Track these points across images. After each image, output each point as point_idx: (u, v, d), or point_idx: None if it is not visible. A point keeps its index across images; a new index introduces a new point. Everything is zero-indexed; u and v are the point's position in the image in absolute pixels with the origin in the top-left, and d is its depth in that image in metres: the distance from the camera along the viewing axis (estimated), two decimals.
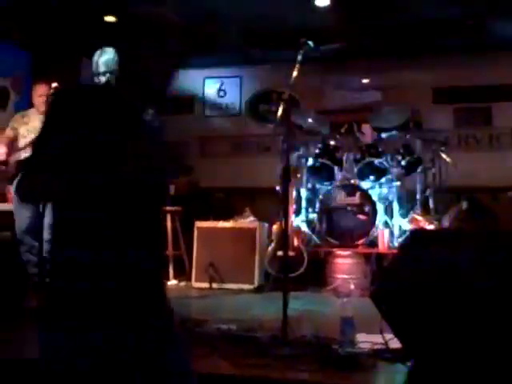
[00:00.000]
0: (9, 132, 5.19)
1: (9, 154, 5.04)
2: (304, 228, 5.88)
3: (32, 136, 4.97)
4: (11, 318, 3.60)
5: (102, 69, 3.64)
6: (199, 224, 5.92)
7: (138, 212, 1.75)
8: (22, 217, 4.99)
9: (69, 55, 7.12)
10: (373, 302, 2.63)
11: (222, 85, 8.39)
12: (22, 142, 5.10)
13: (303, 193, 6.03)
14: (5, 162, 5.05)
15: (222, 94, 8.40)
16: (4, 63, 6.55)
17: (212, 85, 8.42)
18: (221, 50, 7.48)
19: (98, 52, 3.69)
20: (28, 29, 6.45)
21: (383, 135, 6.11)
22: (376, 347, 2.93)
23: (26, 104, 5.73)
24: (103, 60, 3.66)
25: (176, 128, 7.53)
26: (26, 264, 4.75)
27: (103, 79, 3.63)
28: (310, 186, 6.14)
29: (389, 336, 2.85)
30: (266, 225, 5.91)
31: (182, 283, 6.00)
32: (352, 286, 5.25)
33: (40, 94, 5.07)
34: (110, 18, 6.49)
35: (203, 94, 8.43)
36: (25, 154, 4.93)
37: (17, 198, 5.06)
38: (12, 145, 5.12)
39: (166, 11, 1.52)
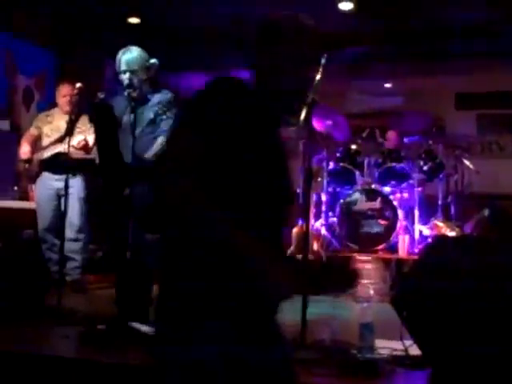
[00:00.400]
0: (33, 131, 5.25)
1: (32, 153, 5.09)
2: (323, 232, 5.86)
3: (56, 135, 5.02)
4: (32, 315, 3.62)
5: (123, 67, 3.67)
6: None
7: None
8: (45, 215, 5.04)
9: (92, 56, 7.19)
10: (393, 307, 2.61)
11: None
12: (45, 141, 5.15)
13: (323, 196, 6.02)
14: (29, 161, 5.11)
15: None
16: (28, 63, 6.63)
17: None
18: (238, 51, 7.48)
19: (122, 50, 3.72)
20: (52, 29, 6.52)
21: (405, 140, 6.08)
22: (395, 353, 2.91)
23: (49, 104, 5.79)
24: (125, 58, 3.68)
25: None
26: (47, 262, 4.80)
27: (124, 77, 3.66)
28: (330, 189, 6.12)
29: (408, 342, 2.83)
30: (286, 228, 5.89)
31: None
32: (371, 292, 5.21)
33: (64, 94, 5.11)
34: (133, 20, 6.55)
35: None
36: (48, 153, 4.99)
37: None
38: (36, 143, 5.17)
39: (298, 14, 1.47)
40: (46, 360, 2.83)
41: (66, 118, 4.72)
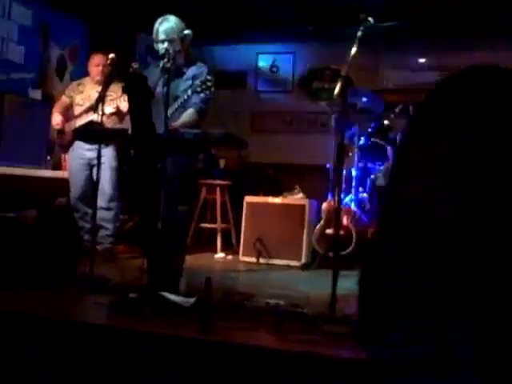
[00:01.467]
0: (64, 99, 5.29)
1: (64, 122, 5.14)
2: (353, 207, 5.84)
3: (87, 104, 5.05)
4: (65, 283, 3.69)
5: (161, 37, 3.66)
6: (248, 199, 5.94)
7: None
8: (77, 184, 5.11)
9: (125, 27, 7.20)
10: None
11: (274, 60, 8.33)
12: (77, 110, 5.19)
13: (354, 172, 5.98)
14: (61, 130, 5.16)
15: (274, 69, 8.35)
16: (62, 34, 6.66)
17: (265, 60, 8.38)
18: (275, 26, 7.43)
19: (160, 19, 3.71)
20: (86, 0, 6.52)
21: None
22: None
23: (82, 74, 5.82)
24: (163, 28, 3.67)
25: (228, 102, 7.55)
26: (79, 230, 4.87)
27: (161, 47, 3.65)
28: (361, 165, 6.08)
29: None
30: (315, 202, 5.89)
31: (229, 256, 6.06)
32: None
33: (96, 63, 5.14)
34: None
35: (256, 69, 8.40)
36: (80, 122, 5.03)
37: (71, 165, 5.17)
38: (67, 112, 5.21)
39: None
40: (79, 326, 2.88)
41: (98, 87, 4.75)
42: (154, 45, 3.71)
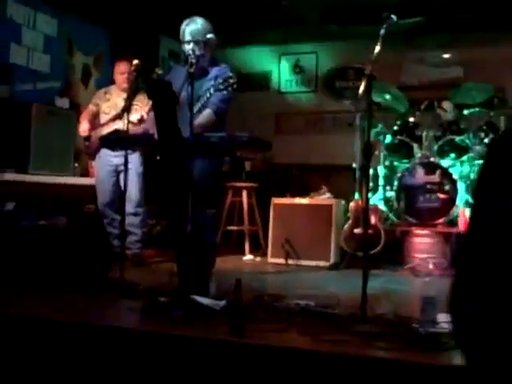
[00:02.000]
0: (91, 108, 5.34)
1: (91, 130, 5.19)
2: (381, 206, 5.80)
3: (113, 112, 5.10)
4: (96, 288, 3.72)
5: (187, 37, 3.68)
6: (276, 200, 5.94)
7: None
8: (104, 190, 5.15)
9: (147, 33, 7.25)
10: None
11: (297, 60, 8.32)
12: (103, 118, 5.24)
13: (380, 170, 5.94)
14: (88, 138, 5.21)
15: (297, 69, 8.34)
16: (86, 42, 6.74)
17: (288, 61, 8.37)
18: (297, 26, 7.42)
19: (187, 21, 3.73)
20: (108, 7, 6.57)
21: (465, 112, 5.93)
22: None
23: (107, 81, 5.88)
24: (190, 29, 3.69)
25: (252, 104, 7.56)
26: (108, 236, 4.91)
27: (187, 48, 3.67)
28: (387, 163, 6.05)
29: None
30: (343, 202, 5.87)
31: (258, 258, 6.06)
32: (431, 266, 5.16)
33: (121, 71, 5.18)
34: None
35: (279, 70, 8.40)
36: (106, 130, 5.07)
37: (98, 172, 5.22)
38: (94, 120, 5.27)
39: None
40: (111, 331, 2.90)
41: (123, 95, 4.79)
42: (182, 45, 3.73)
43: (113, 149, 4.97)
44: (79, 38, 6.63)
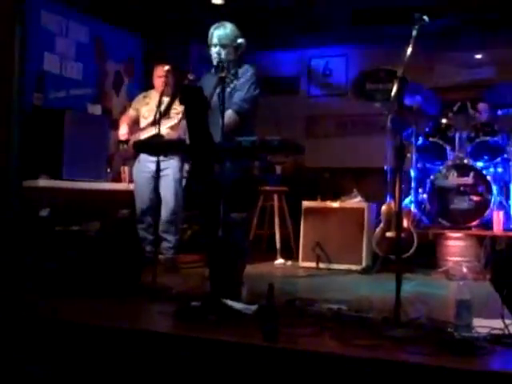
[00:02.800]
0: (131, 112, 5.38)
1: (130, 134, 5.21)
2: (413, 209, 5.75)
3: (152, 117, 5.12)
4: (129, 293, 3.75)
5: (213, 40, 3.71)
6: (306, 204, 5.93)
7: None
8: (143, 197, 5.14)
9: (178, 38, 7.29)
10: (493, 285, 2.53)
11: (327, 64, 8.29)
12: (142, 123, 5.26)
13: (412, 173, 5.89)
14: (126, 142, 5.23)
15: (327, 72, 8.31)
16: (117, 48, 6.82)
17: (318, 64, 8.35)
18: (327, 29, 7.39)
19: (216, 24, 3.75)
20: (139, 13, 6.63)
21: (499, 113, 5.84)
22: (494, 332, 2.82)
23: (138, 87, 5.93)
24: (218, 33, 3.71)
25: (282, 108, 7.55)
26: (142, 241, 4.94)
27: (214, 51, 3.70)
28: (419, 165, 5.99)
29: (508, 321, 2.74)
30: (374, 205, 5.83)
31: (289, 262, 6.04)
32: (464, 269, 5.09)
33: (159, 75, 5.21)
34: (217, 1, 6.56)
35: (309, 73, 8.38)
36: (145, 134, 5.10)
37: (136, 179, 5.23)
38: (134, 125, 5.30)
39: None
40: (144, 335, 2.92)
41: (162, 99, 4.82)
42: (208, 49, 3.75)
43: (150, 154, 5.00)
44: (110, 44, 6.71)
